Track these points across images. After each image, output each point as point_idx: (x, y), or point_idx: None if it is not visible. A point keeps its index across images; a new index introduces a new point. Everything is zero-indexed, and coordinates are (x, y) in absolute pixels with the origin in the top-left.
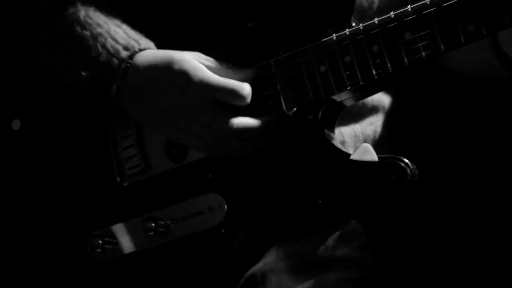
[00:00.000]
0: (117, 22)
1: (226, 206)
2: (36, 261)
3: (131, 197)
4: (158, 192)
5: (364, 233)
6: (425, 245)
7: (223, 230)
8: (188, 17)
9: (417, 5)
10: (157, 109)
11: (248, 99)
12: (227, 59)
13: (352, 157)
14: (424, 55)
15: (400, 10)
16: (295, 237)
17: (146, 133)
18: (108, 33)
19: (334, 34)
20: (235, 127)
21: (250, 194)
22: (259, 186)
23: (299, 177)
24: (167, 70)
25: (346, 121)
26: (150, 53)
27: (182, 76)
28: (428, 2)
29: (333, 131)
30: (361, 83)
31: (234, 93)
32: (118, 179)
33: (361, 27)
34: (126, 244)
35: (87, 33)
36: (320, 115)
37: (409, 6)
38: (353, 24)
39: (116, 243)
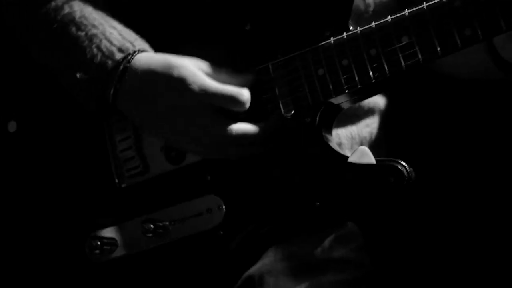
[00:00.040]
0: (113, 23)
1: (224, 208)
2: (35, 262)
3: (129, 199)
4: (156, 194)
5: (361, 235)
6: (422, 247)
7: (221, 232)
8: (186, 19)
9: (414, 10)
10: (155, 111)
11: (247, 105)
12: (225, 62)
13: (350, 160)
14: (421, 59)
15: (398, 15)
16: (292, 239)
17: (144, 135)
18: (103, 34)
19: (331, 38)
20: (234, 133)
21: (248, 196)
22: (257, 188)
23: (297, 179)
24: (166, 75)
25: (343, 123)
26: (148, 56)
27: (181, 83)
28: (425, 7)
29: (330, 134)
30: (359, 86)
31: (233, 100)
32: (117, 181)
33: (358, 31)
34: (125, 245)
35: (82, 34)
36: (318, 117)
37: (406, 11)
38: (351, 28)
39: (114, 244)
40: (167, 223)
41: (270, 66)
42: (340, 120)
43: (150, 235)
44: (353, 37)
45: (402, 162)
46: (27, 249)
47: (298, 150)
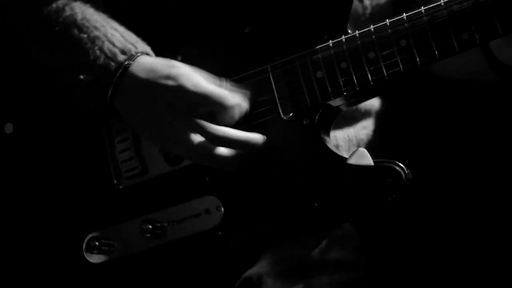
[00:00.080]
0: (114, 25)
1: (223, 209)
2: (33, 262)
3: (128, 200)
4: (155, 195)
5: (358, 236)
6: (418, 247)
7: (219, 233)
8: (185, 21)
9: (412, 13)
10: (155, 111)
11: (235, 110)
12: (224, 64)
13: (348, 161)
14: (419, 62)
15: (396, 18)
16: (291, 240)
17: (142, 137)
18: (105, 36)
19: (330, 41)
20: (214, 131)
21: (247, 197)
22: (255, 189)
23: (295, 180)
24: (165, 73)
25: (340, 125)
26: (149, 58)
27: (176, 79)
28: (423, 11)
29: (328, 135)
30: (357, 89)
31: (219, 102)
32: (115, 182)
33: (357, 34)
34: (123, 246)
35: (85, 36)
36: (316, 119)
37: (404, 14)
38: (349, 31)
39: (112, 245)
40: (166, 224)
41: (269, 68)
42: (338, 122)
43: (149, 235)
44: (352, 40)
45: (399, 164)
46: (25, 250)
47: (296, 152)
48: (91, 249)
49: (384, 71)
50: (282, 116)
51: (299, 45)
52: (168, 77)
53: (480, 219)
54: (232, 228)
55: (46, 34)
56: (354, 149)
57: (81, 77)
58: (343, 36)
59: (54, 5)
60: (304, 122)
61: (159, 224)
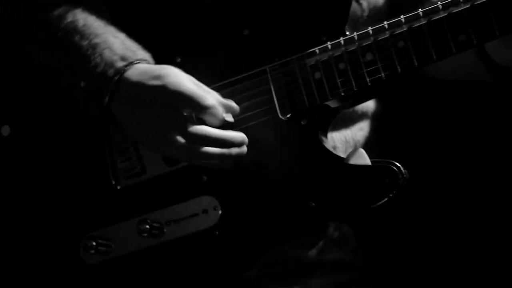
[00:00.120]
0: (115, 32)
1: (220, 209)
2: (30, 262)
3: (125, 200)
4: (152, 195)
5: (355, 237)
6: (414, 247)
7: (217, 232)
8: (185, 24)
9: (409, 15)
10: (153, 115)
11: (211, 111)
12: (223, 66)
13: (346, 161)
14: (416, 63)
15: (394, 20)
16: (288, 241)
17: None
18: (106, 43)
19: (328, 42)
20: (192, 130)
21: (244, 197)
22: (252, 189)
23: (292, 180)
24: (155, 75)
25: (337, 127)
26: (144, 65)
27: (158, 79)
28: (420, 13)
29: (326, 136)
30: (355, 89)
31: (195, 101)
32: (113, 182)
33: (355, 36)
34: (120, 245)
35: (86, 42)
36: (314, 120)
37: (402, 16)
38: (347, 33)
39: (109, 245)
40: (163, 224)
41: (267, 69)
42: (335, 124)
43: (146, 235)
44: (350, 42)
45: (396, 163)
46: (22, 250)
47: (294, 152)
48: (87, 249)
49: (382, 72)
50: (280, 116)
51: (297, 47)
52: (155, 77)
53: (475, 219)
54: (229, 228)
55: (48, 39)
56: (351, 150)
57: (82, 84)
58: (341, 38)
59: (56, 11)
60: (302, 122)
61: (156, 224)
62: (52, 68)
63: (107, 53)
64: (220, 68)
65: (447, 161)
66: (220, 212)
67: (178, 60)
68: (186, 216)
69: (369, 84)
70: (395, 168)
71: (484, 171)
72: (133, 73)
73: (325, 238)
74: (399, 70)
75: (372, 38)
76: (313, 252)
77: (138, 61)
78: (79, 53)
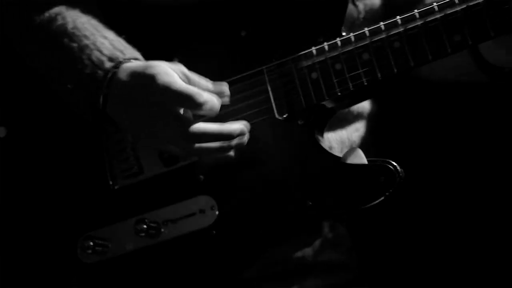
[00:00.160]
0: (105, 32)
1: (217, 209)
2: (27, 262)
3: (123, 200)
4: (150, 195)
5: (350, 237)
6: (410, 247)
7: (214, 232)
8: (182, 25)
9: (405, 16)
10: (142, 113)
11: (205, 107)
12: (221, 67)
13: (342, 160)
14: (412, 63)
15: (390, 21)
16: (286, 241)
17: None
18: (94, 44)
19: (325, 43)
20: (191, 130)
21: (241, 197)
22: (250, 189)
23: (289, 179)
24: (141, 74)
25: (333, 127)
26: (133, 63)
27: (150, 79)
28: (416, 14)
29: (322, 136)
30: (351, 90)
31: (190, 98)
32: (111, 182)
33: (352, 37)
34: (117, 245)
35: (75, 45)
36: (311, 120)
37: (398, 17)
38: (344, 34)
39: (107, 245)
40: (160, 224)
41: (264, 70)
42: (331, 124)
43: (143, 235)
44: (347, 42)
45: (393, 162)
46: (20, 250)
47: (290, 151)
48: (85, 249)
49: (378, 72)
50: (277, 116)
51: (294, 48)
52: (145, 76)
53: (470, 218)
54: (226, 228)
55: (38, 42)
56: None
57: (70, 86)
58: (338, 39)
59: (46, 14)
60: (299, 122)
61: (153, 224)
62: (44, 71)
63: (95, 55)
64: (217, 68)
65: (442, 161)
66: (217, 211)
67: (176, 60)
68: (183, 216)
69: (366, 84)
70: (391, 167)
71: (479, 171)
72: (123, 72)
73: (320, 238)
74: (395, 70)
75: (368, 39)
76: (310, 254)
77: (126, 60)
78: (68, 56)
